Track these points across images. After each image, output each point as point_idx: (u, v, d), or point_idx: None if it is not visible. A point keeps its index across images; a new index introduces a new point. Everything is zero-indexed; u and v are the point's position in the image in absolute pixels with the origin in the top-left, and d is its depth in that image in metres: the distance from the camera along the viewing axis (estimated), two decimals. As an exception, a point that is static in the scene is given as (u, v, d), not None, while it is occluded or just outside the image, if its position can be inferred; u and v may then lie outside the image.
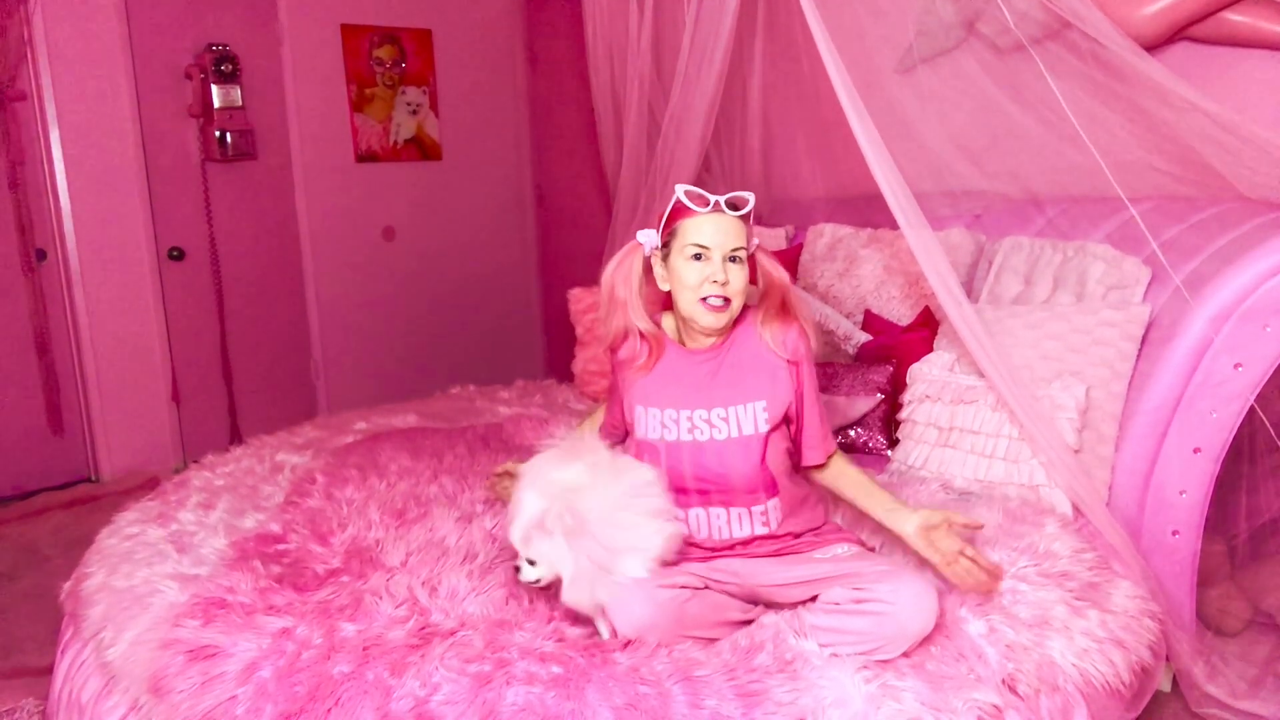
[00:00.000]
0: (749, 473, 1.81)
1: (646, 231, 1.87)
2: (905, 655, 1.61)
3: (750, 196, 1.82)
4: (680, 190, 1.81)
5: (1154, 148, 2.35)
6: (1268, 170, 2.15)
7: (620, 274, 1.89)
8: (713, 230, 1.78)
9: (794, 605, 1.75)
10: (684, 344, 1.91)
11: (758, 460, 1.81)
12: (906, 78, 2.94)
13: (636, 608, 1.64)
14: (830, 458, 1.91)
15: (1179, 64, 2.45)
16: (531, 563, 1.70)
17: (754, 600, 1.83)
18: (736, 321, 1.89)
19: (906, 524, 1.77)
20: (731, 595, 1.81)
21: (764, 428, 1.81)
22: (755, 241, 1.87)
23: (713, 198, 1.79)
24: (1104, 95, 2.37)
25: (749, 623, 1.77)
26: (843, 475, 1.91)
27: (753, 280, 1.87)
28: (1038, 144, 2.59)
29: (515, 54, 5.26)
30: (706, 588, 1.76)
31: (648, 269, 1.90)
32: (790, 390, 1.86)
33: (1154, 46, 2.42)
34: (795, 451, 1.91)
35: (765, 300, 1.88)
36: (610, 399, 2.04)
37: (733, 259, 1.79)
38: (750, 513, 1.82)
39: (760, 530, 1.83)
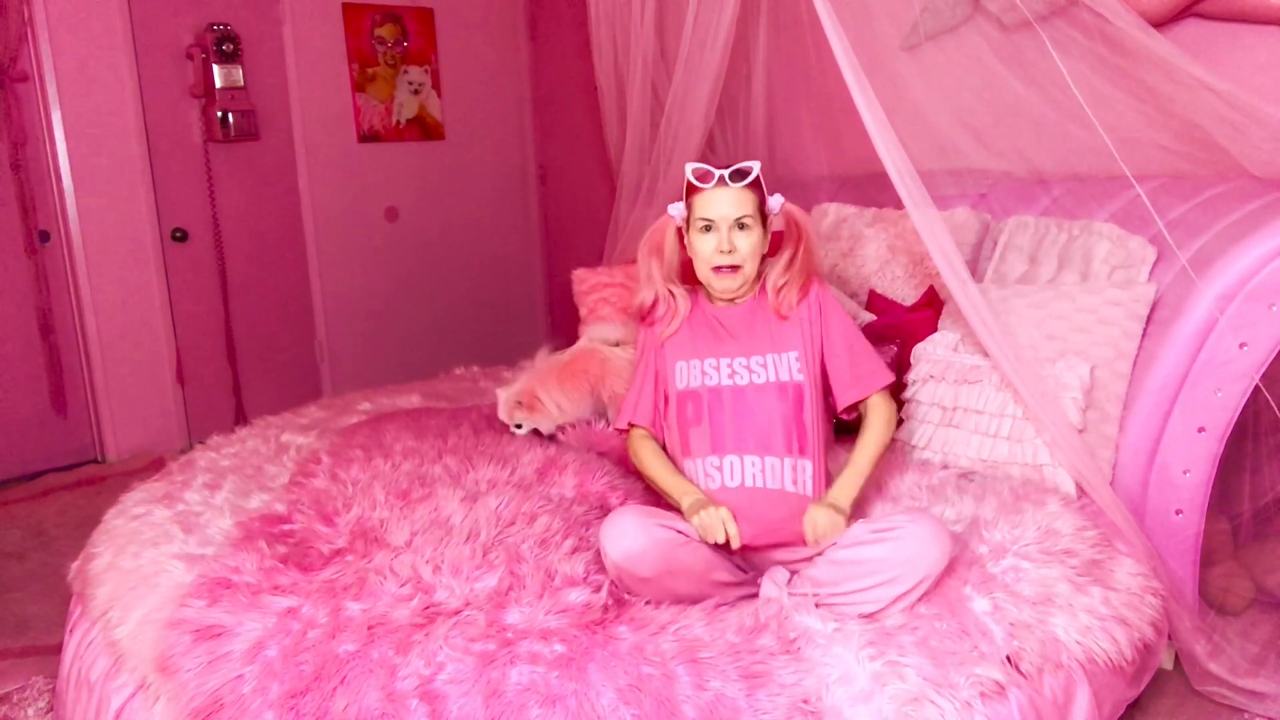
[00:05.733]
0: (786, 419, 1.85)
1: (676, 205, 1.98)
2: (922, 600, 1.65)
3: (754, 165, 1.92)
4: (689, 169, 1.92)
5: (1161, 126, 2.33)
6: (1275, 148, 2.14)
7: (652, 243, 2.00)
8: (718, 203, 1.90)
9: (801, 561, 1.80)
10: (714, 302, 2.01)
11: (794, 408, 1.86)
12: (912, 55, 2.92)
13: (629, 536, 1.68)
14: (870, 398, 1.95)
15: (1187, 41, 2.43)
16: None
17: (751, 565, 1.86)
18: (762, 280, 1.99)
19: (826, 496, 1.83)
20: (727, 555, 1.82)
21: (799, 376, 1.88)
22: (778, 200, 1.97)
23: (717, 172, 1.89)
24: (1111, 73, 2.35)
25: (739, 584, 1.80)
26: (870, 416, 1.95)
27: (775, 249, 1.98)
28: (1043, 122, 2.58)
29: (517, 32, 5.23)
30: (702, 541, 1.77)
31: (683, 239, 2.01)
32: (817, 340, 1.95)
33: (1162, 23, 2.39)
34: (831, 396, 1.96)
35: (782, 262, 1.96)
36: (640, 379, 2.03)
37: (741, 226, 1.90)
38: (782, 464, 1.84)
39: (790, 488, 1.83)
